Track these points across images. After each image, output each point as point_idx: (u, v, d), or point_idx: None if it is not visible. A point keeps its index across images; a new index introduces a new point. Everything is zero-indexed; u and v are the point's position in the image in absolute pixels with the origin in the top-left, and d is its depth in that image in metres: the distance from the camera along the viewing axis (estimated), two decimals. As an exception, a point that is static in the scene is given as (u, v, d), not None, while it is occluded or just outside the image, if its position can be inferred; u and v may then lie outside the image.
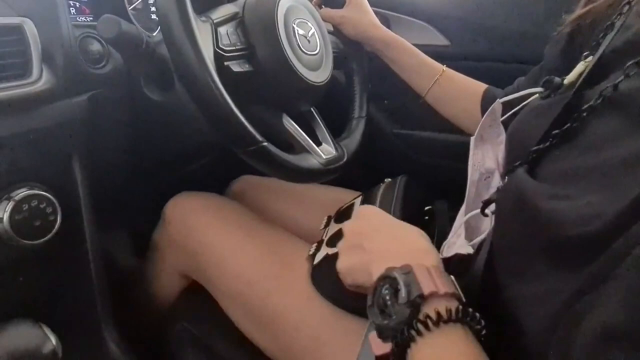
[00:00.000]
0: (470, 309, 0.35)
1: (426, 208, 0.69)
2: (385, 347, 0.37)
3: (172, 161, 0.81)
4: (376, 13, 0.92)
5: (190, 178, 0.85)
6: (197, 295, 0.72)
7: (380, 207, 0.63)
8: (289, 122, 0.67)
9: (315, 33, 0.70)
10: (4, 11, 0.55)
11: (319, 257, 0.63)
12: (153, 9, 0.85)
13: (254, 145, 0.56)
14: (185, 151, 0.79)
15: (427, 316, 0.34)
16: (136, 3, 0.81)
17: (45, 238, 0.55)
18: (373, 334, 0.38)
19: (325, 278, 0.61)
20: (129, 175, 0.73)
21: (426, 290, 0.35)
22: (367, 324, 0.57)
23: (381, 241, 0.45)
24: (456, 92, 0.77)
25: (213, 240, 0.71)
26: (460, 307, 0.35)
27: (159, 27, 0.85)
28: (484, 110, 0.69)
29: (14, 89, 0.52)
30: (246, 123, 0.55)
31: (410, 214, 0.64)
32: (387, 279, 0.38)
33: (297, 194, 0.85)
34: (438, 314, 0.34)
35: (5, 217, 0.52)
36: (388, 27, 1.03)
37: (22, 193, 0.53)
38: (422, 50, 0.82)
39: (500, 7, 0.97)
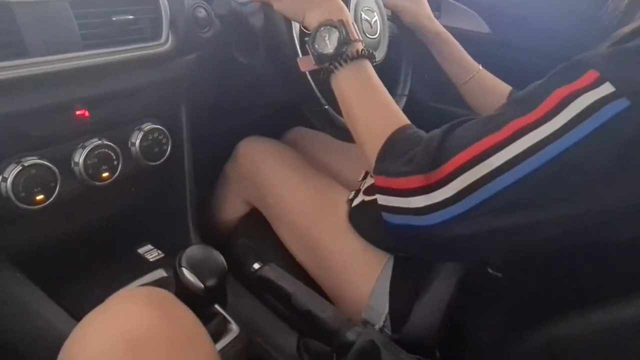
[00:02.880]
0: (370, 50, 0.59)
1: None
2: (309, 66, 0.61)
3: (245, 109, 0.99)
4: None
5: (256, 123, 1.03)
6: (256, 219, 0.91)
7: None
8: None
9: (378, 20, 0.84)
10: None
11: (356, 201, 0.81)
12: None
13: (318, 107, 0.72)
14: (257, 103, 0.96)
15: (350, 52, 0.57)
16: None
17: (160, 161, 0.75)
18: (300, 58, 0.64)
19: (360, 218, 0.78)
20: (213, 118, 0.91)
21: (353, 37, 0.57)
22: (385, 259, 0.75)
23: None
24: (487, 89, 0.89)
25: (274, 177, 0.89)
26: (365, 49, 0.58)
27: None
28: None
29: (149, 49, 0.69)
30: (315, 88, 0.71)
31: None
32: (329, 24, 0.58)
33: (341, 148, 1.01)
34: (356, 51, 0.57)
35: (137, 143, 0.71)
36: (439, 9, 1.15)
37: (148, 126, 0.72)
38: (465, 35, 0.94)
39: (545, 4, 1.07)
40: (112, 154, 0.67)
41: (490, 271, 0.62)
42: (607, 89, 0.38)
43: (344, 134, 0.80)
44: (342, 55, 0.57)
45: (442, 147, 0.46)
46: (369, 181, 0.83)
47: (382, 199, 0.50)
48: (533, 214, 0.42)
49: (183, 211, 0.82)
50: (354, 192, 0.83)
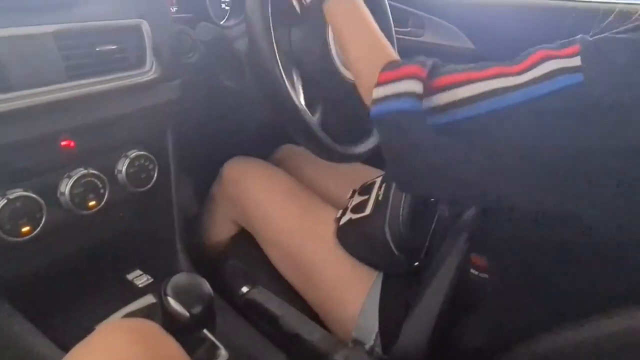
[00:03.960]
0: None
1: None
2: None
3: (232, 130, 1.00)
4: (413, 14, 1.07)
5: (243, 143, 1.04)
6: (245, 239, 0.91)
7: (395, 192, 0.80)
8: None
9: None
10: (126, 13, 0.70)
11: (343, 220, 0.82)
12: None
13: (304, 127, 0.73)
14: (244, 124, 0.97)
15: None
16: (211, -5, 0.98)
17: (147, 187, 0.75)
18: None
19: (348, 236, 0.79)
20: (199, 140, 0.92)
21: None
22: (374, 276, 0.75)
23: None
24: None
25: (261, 197, 0.90)
26: None
27: (227, 14, 1.03)
28: None
29: (133, 77, 0.70)
30: (300, 109, 0.72)
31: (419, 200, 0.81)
32: None
33: (329, 166, 1.02)
34: None
35: (124, 170, 0.72)
36: (422, 27, 1.17)
37: (134, 153, 0.73)
38: (449, 51, 0.96)
39: (526, 18, 1.09)
40: (99, 183, 0.68)
41: (475, 272, 0.64)
42: (575, 62, 0.41)
43: (330, 154, 0.81)
44: None
45: (435, 66, 0.50)
46: (356, 199, 0.84)
47: (379, 91, 0.52)
48: (487, 155, 0.46)
49: (171, 235, 0.83)
50: (341, 210, 0.84)
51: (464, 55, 1.07)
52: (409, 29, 1.15)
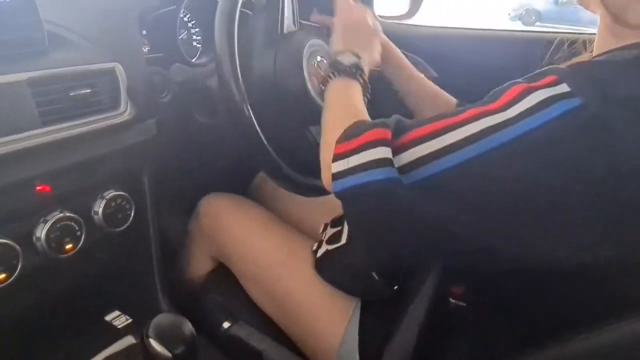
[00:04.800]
0: (365, 78, 0.66)
1: None
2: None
3: (208, 166, 1.01)
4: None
5: (220, 176, 1.05)
6: (223, 274, 0.91)
7: None
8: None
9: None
10: (100, 57, 0.72)
11: (320, 252, 0.83)
12: (195, 37, 1.04)
13: (273, 164, 0.75)
14: (220, 159, 0.99)
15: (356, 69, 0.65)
16: (182, 35, 1.00)
17: (124, 226, 0.75)
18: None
19: (326, 265, 0.80)
20: (175, 176, 0.93)
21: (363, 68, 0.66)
22: (353, 305, 0.77)
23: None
24: (430, 93, 0.89)
25: (237, 233, 0.91)
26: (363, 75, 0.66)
27: (199, 53, 1.05)
28: None
29: (108, 120, 0.70)
30: (268, 147, 0.74)
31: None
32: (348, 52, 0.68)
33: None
34: (360, 72, 0.65)
35: (100, 211, 0.72)
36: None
37: (111, 193, 0.73)
38: None
39: (482, 47, 1.16)
40: (75, 225, 0.68)
41: (453, 301, 0.65)
42: (562, 88, 0.41)
43: (300, 189, 0.83)
44: (350, 70, 0.65)
45: (400, 124, 0.48)
46: (329, 232, 0.86)
47: (339, 165, 0.48)
48: (477, 207, 0.43)
49: (150, 274, 0.82)
50: (317, 243, 0.86)
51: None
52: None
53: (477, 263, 0.52)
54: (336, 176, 0.49)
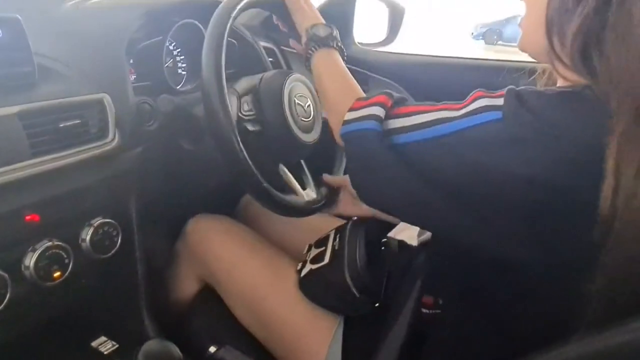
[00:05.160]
0: (342, 46, 0.79)
1: (383, 240, 0.92)
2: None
3: (195, 189, 1.04)
4: (358, 72, 1.16)
5: (206, 200, 1.07)
6: (210, 296, 0.93)
7: (349, 241, 0.86)
8: (283, 170, 0.89)
9: (311, 104, 0.92)
10: (88, 88, 0.74)
11: (304, 271, 0.86)
12: (180, 65, 1.07)
13: (259, 187, 0.78)
14: (206, 184, 1.01)
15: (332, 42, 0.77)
16: (168, 63, 1.03)
17: (111, 253, 0.77)
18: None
19: (310, 284, 0.83)
20: (162, 201, 0.95)
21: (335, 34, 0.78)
22: (336, 324, 0.80)
23: None
24: None
25: (224, 254, 0.93)
26: (338, 43, 0.78)
27: (184, 80, 1.08)
28: None
29: (96, 149, 0.72)
30: (255, 170, 0.77)
31: (372, 247, 0.87)
32: (319, 25, 0.79)
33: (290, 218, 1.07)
34: (335, 43, 0.77)
35: (88, 238, 0.73)
36: (367, 84, 1.27)
37: (99, 221, 0.75)
38: None
39: (453, 73, 1.22)
40: (63, 253, 0.69)
41: (426, 311, 0.71)
42: (498, 101, 0.50)
43: (285, 211, 0.86)
44: (326, 41, 0.77)
45: (400, 99, 0.60)
46: (313, 252, 0.88)
47: (350, 115, 0.62)
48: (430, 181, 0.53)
49: (136, 299, 0.84)
50: (301, 263, 0.89)
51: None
52: (355, 86, 1.26)
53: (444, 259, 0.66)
54: (345, 122, 0.62)
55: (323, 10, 1.26)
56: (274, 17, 0.93)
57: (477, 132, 0.50)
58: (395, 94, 0.61)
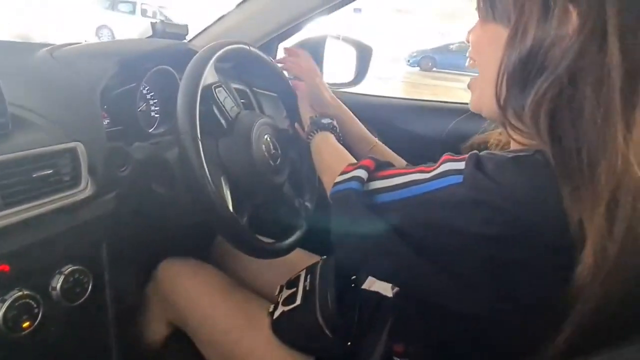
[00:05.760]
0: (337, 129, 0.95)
1: (353, 277, 0.95)
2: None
3: (167, 232, 1.04)
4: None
5: (178, 243, 1.08)
6: (181, 340, 0.93)
7: (320, 281, 0.88)
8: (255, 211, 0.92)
9: (278, 147, 0.96)
10: (61, 137, 0.75)
11: (277, 313, 0.88)
12: (153, 108, 1.10)
13: (232, 229, 0.80)
14: (178, 226, 1.02)
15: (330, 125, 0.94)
16: (141, 107, 1.05)
17: (82, 300, 0.77)
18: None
19: (283, 326, 0.85)
20: (134, 244, 0.95)
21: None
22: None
23: None
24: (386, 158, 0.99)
25: (195, 297, 0.94)
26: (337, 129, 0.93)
27: (157, 123, 1.10)
28: None
29: (68, 198, 0.73)
30: (229, 211, 0.79)
31: (343, 283, 0.90)
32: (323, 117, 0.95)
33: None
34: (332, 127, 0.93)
35: (58, 287, 0.73)
36: (336, 125, 1.32)
37: (69, 269, 0.75)
38: None
39: (418, 115, 1.28)
40: (33, 303, 0.69)
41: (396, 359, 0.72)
42: (460, 165, 0.53)
43: (260, 253, 0.88)
44: (326, 126, 0.92)
45: (382, 163, 0.67)
46: (285, 293, 0.90)
47: (340, 177, 0.67)
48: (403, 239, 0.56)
49: (107, 344, 0.83)
50: (273, 305, 0.90)
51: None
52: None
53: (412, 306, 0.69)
54: (335, 184, 0.67)
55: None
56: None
57: (442, 194, 0.53)
58: (380, 160, 0.67)
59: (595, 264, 0.46)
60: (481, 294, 0.54)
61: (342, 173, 0.68)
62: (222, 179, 0.87)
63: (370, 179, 0.63)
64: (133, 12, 11.62)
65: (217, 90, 0.92)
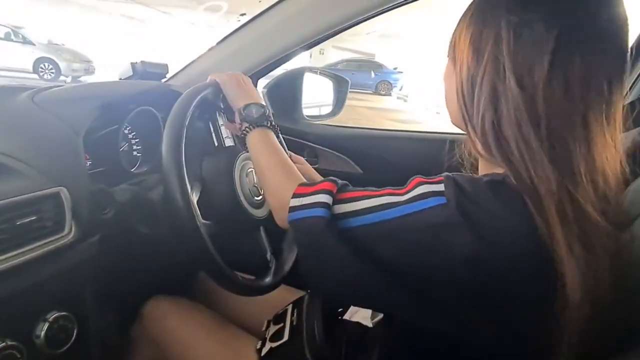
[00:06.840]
0: (276, 125, 0.85)
1: (339, 309, 0.95)
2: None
3: (152, 272, 1.04)
4: (308, 146, 1.23)
5: (163, 282, 1.07)
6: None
7: (306, 315, 0.89)
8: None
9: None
10: (46, 183, 0.75)
11: (265, 350, 0.88)
12: (135, 148, 1.11)
13: (216, 268, 0.80)
14: (163, 265, 1.02)
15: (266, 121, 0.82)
16: (123, 147, 1.06)
17: (66, 347, 0.76)
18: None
19: (272, 362, 0.85)
20: (118, 286, 0.94)
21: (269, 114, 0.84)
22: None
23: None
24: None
25: (181, 336, 0.93)
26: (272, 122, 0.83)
27: (139, 162, 1.11)
28: None
29: (52, 243, 0.73)
30: (213, 251, 0.79)
31: (330, 316, 0.91)
32: (252, 104, 0.83)
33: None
34: (269, 122, 0.82)
35: (42, 334, 0.73)
36: (316, 156, 1.35)
37: (54, 315, 0.74)
38: (340, 176, 1.10)
39: (398, 146, 1.32)
40: (17, 353, 0.68)
41: None
42: (439, 187, 0.54)
43: (246, 291, 0.88)
44: (260, 121, 0.81)
45: (344, 184, 0.64)
46: (272, 329, 0.90)
47: (296, 201, 0.63)
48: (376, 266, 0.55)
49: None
50: (260, 341, 0.90)
51: (352, 179, 1.24)
52: (305, 158, 1.32)
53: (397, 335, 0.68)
54: (292, 209, 0.63)
55: (273, 86, 1.36)
56: None
57: (424, 215, 0.53)
58: (339, 181, 0.64)
59: (581, 287, 0.48)
60: (464, 318, 0.55)
61: (298, 195, 0.63)
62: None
63: (335, 202, 0.60)
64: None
65: (219, 113, 0.94)
